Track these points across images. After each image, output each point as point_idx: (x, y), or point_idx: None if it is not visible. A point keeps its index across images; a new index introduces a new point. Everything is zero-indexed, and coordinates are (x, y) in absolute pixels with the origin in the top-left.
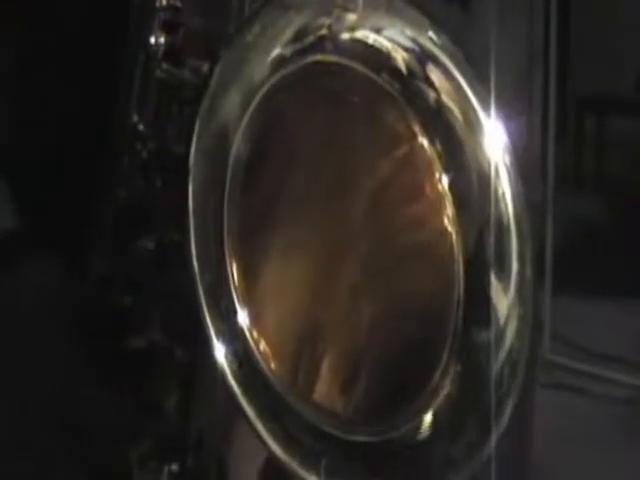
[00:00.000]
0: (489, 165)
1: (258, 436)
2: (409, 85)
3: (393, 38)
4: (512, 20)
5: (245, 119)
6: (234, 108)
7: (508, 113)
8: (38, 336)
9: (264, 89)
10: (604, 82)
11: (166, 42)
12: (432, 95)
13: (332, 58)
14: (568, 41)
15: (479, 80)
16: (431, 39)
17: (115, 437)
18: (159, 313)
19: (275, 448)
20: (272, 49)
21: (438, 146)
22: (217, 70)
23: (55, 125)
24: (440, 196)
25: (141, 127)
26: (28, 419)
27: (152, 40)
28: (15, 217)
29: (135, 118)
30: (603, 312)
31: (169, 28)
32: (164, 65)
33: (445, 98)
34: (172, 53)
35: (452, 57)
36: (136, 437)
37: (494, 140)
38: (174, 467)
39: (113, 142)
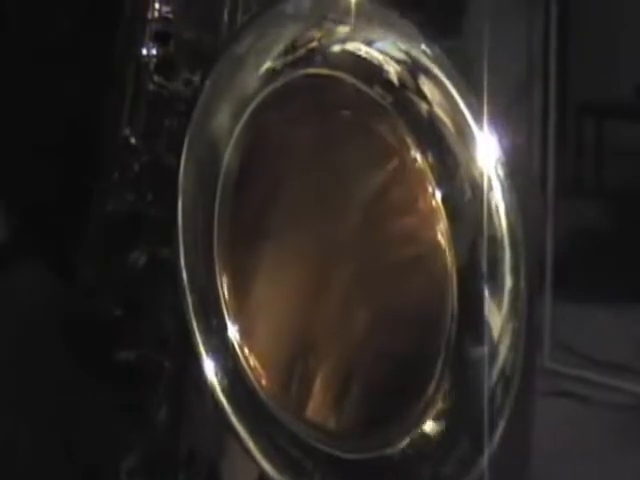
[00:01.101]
0: (482, 178)
1: (249, 454)
2: (401, 97)
3: (385, 50)
4: (511, 28)
5: (236, 132)
6: (225, 120)
7: (502, 126)
8: (26, 348)
9: (255, 102)
10: (604, 89)
11: (158, 54)
12: (424, 107)
13: (323, 71)
14: (567, 48)
15: (472, 93)
16: (424, 51)
17: (104, 452)
18: (149, 326)
19: (266, 466)
20: (263, 62)
21: (430, 159)
22: (208, 82)
23: (46, 137)
24: (433, 209)
25: (133, 140)
26: (14, 431)
27: (144, 52)
28: (5, 229)
29: (127, 131)
30: (603, 319)
31: (160, 40)
32: (156, 77)
33: (437, 110)
34: (164, 65)
35: (445, 69)
36: (125, 452)
37: (487, 153)
38: None
39: (104, 155)
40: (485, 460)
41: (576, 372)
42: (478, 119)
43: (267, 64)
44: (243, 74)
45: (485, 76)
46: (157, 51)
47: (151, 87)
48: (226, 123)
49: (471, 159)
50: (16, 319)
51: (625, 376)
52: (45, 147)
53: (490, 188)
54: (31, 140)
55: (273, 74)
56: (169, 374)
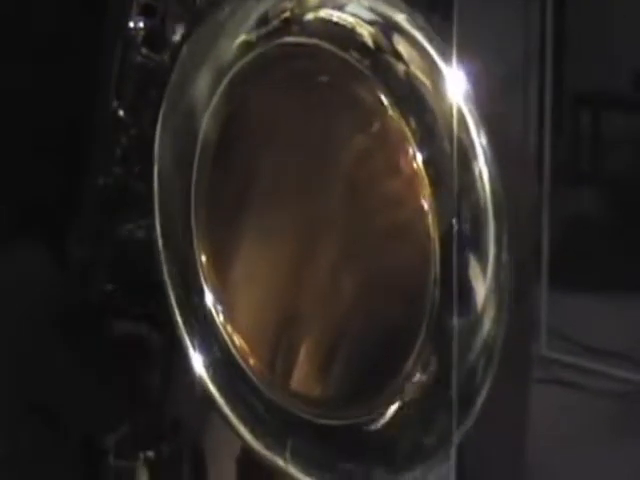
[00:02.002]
0: (464, 142)
1: (225, 420)
2: (378, 60)
3: (356, 13)
4: (508, 16)
5: (214, 100)
6: (203, 88)
7: (474, 67)
8: (16, 322)
9: (233, 72)
10: (600, 78)
11: (145, 26)
12: (401, 68)
13: (299, 39)
14: (564, 37)
15: (446, 45)
16: (392, 8)
17: (91, 423)
18: (139, 301)
19: (242, 430)
20: (238, 35)
21: (412, 121)
22: (186, 48)
23: (34, 111)
24: (415, 174)
25: (121, 112)
26: (7, 408)
27: (131, 25)
28: None
29: (115, 104)
30: (599, 307)
31: (148, 13)
32: (143, 50)
33: (415, 70)
34: (151, 37)
35: (416, 25)
36: (112, 423)
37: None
38: (150, 454)
39: (92, 128)
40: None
41: (572, 360)
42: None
43: (242, 37)
44: (221, 44)
45: (455, 23)
46: (144, 24)
47: (139, 59)
48: (204, 91)
49: (451, 116)
50: (6, 293)
51: (621, 364)
52: (32, 121)
53: (474, 156)
54: (18, 115)
55: (248, 46)
56: (158, 348)
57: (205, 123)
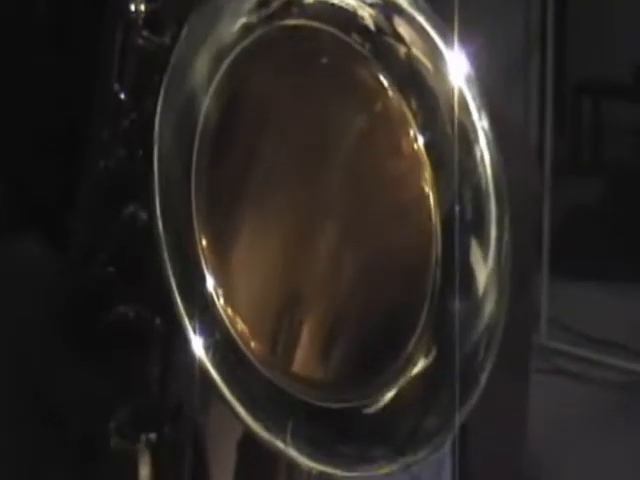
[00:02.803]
0: (466, 124)
1: (225, 402)
2: (379, 42)
3: None
4: (509, 6)
5: (215, 82)
6: (203, 70)
7: (485, 61)
8: (17, 305)
9: (233, 54)
10: (601, 68)
11: (146, 9)
12: (402, 50)
13: (299, 22)
14: (565, 26)
15: (447, 27)
16: None
17: (93, 406)
18: (140, 284)
19: (242, 413)
20: (238, 17)
21: (412, 102)
22: (185, 30)
23: (35, 95)
24: (416, 156)
25: (122, 96)
26: (5, 387)
27: (132, 7)
28: None
29: (116, 87)
30: (600, 297)
31: None
32: (144, 32)
33: (415, 51)
34: (152, 20)
35: (417, 6)
36: (114, 406)
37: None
38: (152, 436)
39: (94, 111)
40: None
41: (573, 350)
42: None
43: (242, 19)
44: (220, 27)
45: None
46: (145, 6)
47: (140, 42)
48: (204, 73)
49: (451, 98)
50: (7, 277)
51: (622, 354)
52: (34, 105)
53: (475, 138)
54: (19, 99)
55: (248, 29)
56: (160, 331)
57: (206, 106)
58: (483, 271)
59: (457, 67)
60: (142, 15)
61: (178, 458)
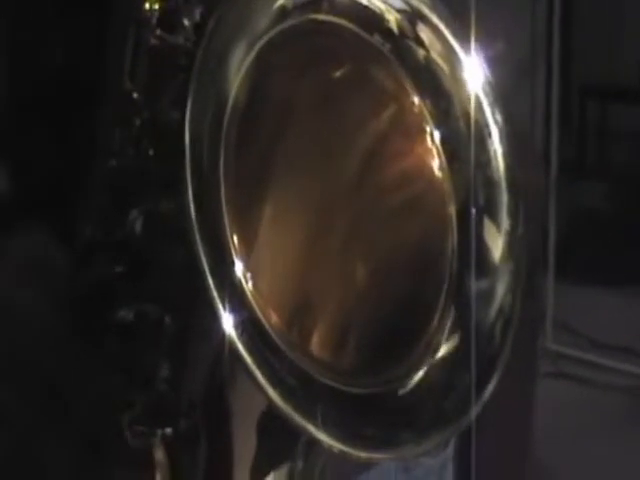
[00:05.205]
0: (480, 121)
1: (256, 384)
2: (400, 44)
3: (387, 0)
4: (514, 8)
5: (244, 68)
6: (234, 55)
7: (494, 63)
8: (26, 304)
9: (264, 40)
10: (607, 70)
11: (160, 8)
12: (422, 53)
13: (328, 17)
14: (571, 28)
15: (467, 39)
16: (424, 0)
17: (105, 404)
18: (149, 282)
19: (272, 394)
20: (274, 1)
21: (428, 102)
22: (219, 14)
23: (47, 92)
24: (432, 151)
25: (135, 95)
26: (15, 387)
27: (146, 6)
28: (5, 185)
29: (129, 85)
30: (606, 301)
31: None
32: (158, 31)
33: (434, 55)
34: (166, 19)
35: (442, 16)
36: (127, 403)
37: (475, 76)
38: (167, 431)
39: (106, 110)
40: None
41: (578, 353)
42: (470, 56)
43: (279, 1)
44: (257, 8)
45: (473, 14)
46: (159, 5)
47: (153, 41)
48: (235, 58)
49: (467, 101)
50: (16, 275)
51: (627, 358)
52: (45, 102)
53: (488, 133)
54: (31, 96)
55: (283, 13)
56: (169, 329)
57: (235, 90)
58: (495, 257)
59: (473, 70)
60: (155, 14)
61: (193, 453)
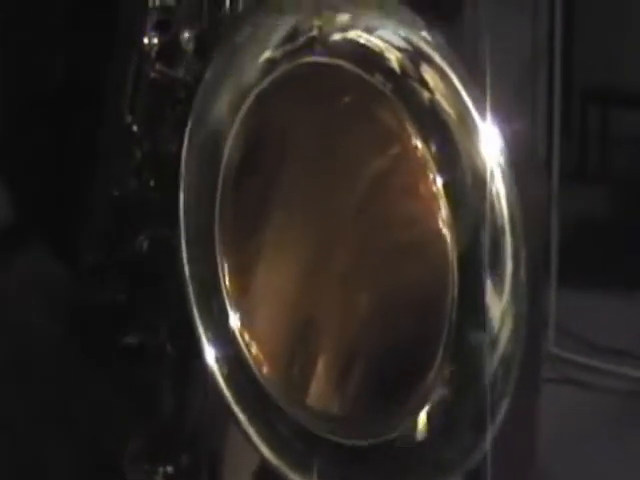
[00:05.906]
0: (484, 166)
1: (249, 441)
2: (403, 85)
3: (386, 38)
4: (516, 14)
5: (238, 120)
6: (226, 110)
7: (505, 116)
8: (29, 331)
9: (256, 91)
10: (609, 75)
11: (159, 42)
12: (426, 95)
13: (324, 59)
14: (573, 33)
15: (474, 81)
16: (425, 39)
17: (107, 436)
18: (151, 311)
19: (266, 451)
20: (262, 52)
21: (432, 146)
22: (209, 72)
23: (50, 123)
24: (434, 196)
25: (135, 128)
26: (17, 416)
27: (145, 40)
28: (9, 213)
29: (129, 118)
30: (608, 306)
31: (162, 28)
32: (157, 65)
33: (440, 98)
34: (165, 53)
35: (446, 57)
36: (128, 437)
37: (489, 141)
38: (169, 468)
39: (107, 142)
40: (487, 445)
41: (581, 359)
42: (481, 109)
43: (267, 54)
44: (243, 63)
45: (488, 66)
46: (159, 39)
47: (152, 75)
48: (227, 112)
49: (473, 147)
50: (19, 301)
51: (629, 362)
52: (49, 132)
53: (492, 175)
54: (35, 126)
55: (273, 63)
56: (172, 358)
57: (229, 143)
58: (499, 304)
59: (488, 135)
60: (155, 48)
61: None
